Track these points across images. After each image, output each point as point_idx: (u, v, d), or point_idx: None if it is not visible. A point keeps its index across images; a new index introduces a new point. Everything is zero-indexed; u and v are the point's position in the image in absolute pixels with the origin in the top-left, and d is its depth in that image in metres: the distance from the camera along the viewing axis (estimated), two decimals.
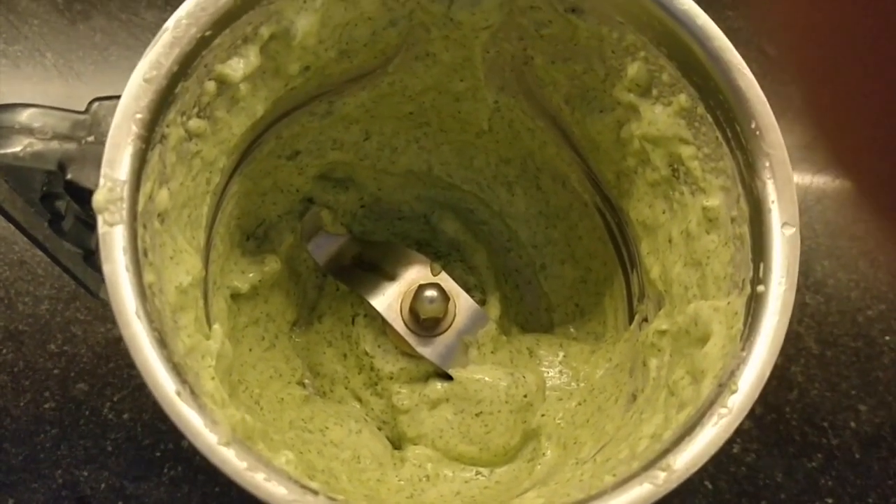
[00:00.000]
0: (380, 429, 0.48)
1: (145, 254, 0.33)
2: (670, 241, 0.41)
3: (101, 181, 0.32)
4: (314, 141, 0.48)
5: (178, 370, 0.30)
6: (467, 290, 0.49)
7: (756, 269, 0.34)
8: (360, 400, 0.49)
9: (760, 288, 0.33)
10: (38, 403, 0.58)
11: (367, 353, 0.48)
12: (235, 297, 0.46)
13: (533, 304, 0.52)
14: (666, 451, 0.31)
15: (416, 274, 0.48)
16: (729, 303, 0.35)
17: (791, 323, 0.63)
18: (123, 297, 0.30)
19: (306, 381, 0.50)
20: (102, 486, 0.56)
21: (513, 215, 0.52)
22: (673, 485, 0.30)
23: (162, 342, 0.31)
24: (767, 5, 0.75)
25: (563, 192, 0.50)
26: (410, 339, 0.47)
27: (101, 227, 0.31)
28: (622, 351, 0.46)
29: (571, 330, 0.51)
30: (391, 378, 0.48)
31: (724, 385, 0.32)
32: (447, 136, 0.50)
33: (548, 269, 0.52)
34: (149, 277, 0.32)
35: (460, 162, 0.52)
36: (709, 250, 0.38)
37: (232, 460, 0.29)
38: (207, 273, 0.42)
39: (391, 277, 0.48)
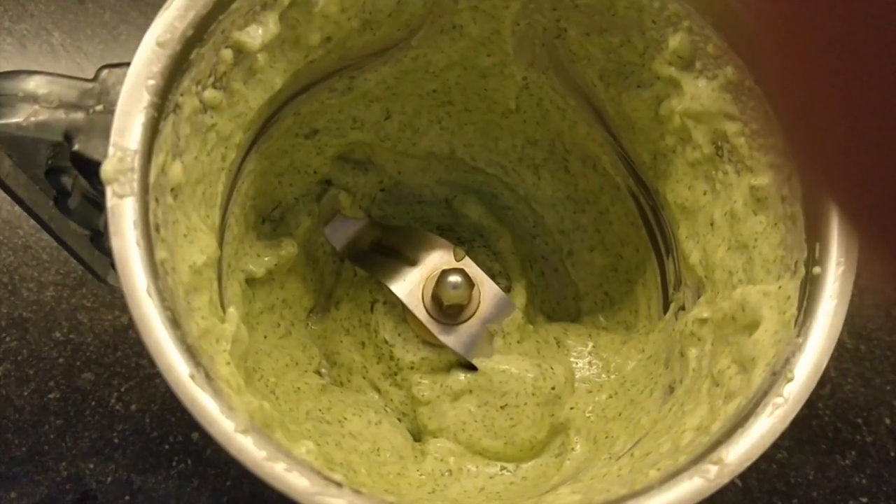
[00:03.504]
0: (399, 421, 0.46)
1: (157, 229, 0.31)
2: (712, 223, 0.39)
3: (111, 150, 0.30)
4: (333, 119, 0.45)
5: (191, 352, 0.28)
6: (491, 277, 0.46)
7: (811, 250, 0.31)
8: (378, 390, 0.46)
9: (816, 270, 0.31)
10: (43, 393, 0.56)
11: (386, 342, 0.46)
12: (250, 281, 0.43)
13: (560, 293, 0.50)
14: (717, 444, 0.29)
15: (438, 259, 0.46)
16: (780, 287, 0.33)
17: None
18: (134, 273, 0.28)
19: (323, 370, 0.47)
20: (109, 479, 0.54)
21: (539, 200, 0.50)
22: (725, 479, 0.27)
23: (175, 322, 0.28)
24: None
25: (594, 175, 0.47)
26: (432, 326, 0.45)
27: (110, 200, 0.29)
28: (656, 341, 0.44)
29: (601, 319, 0.48)
30: (411, 368, 0.46)
31: (779, 373, 0.29)
32: (471, 117, 0.48)
33: (576, 255, 0.50)
34: (161, 254, 0.30)
35: (485, 144, 0.49)
36: (756, 232, 0.35)
37: (250, 449, 0.27)
38: (222, 255, 0.40)
39: (412, 263, 0.46)
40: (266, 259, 0.44)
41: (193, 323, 0.31)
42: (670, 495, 0.27)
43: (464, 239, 0.48)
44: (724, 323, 0.36)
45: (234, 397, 0.28)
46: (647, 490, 0.28)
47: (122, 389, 0.56)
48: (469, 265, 0.46)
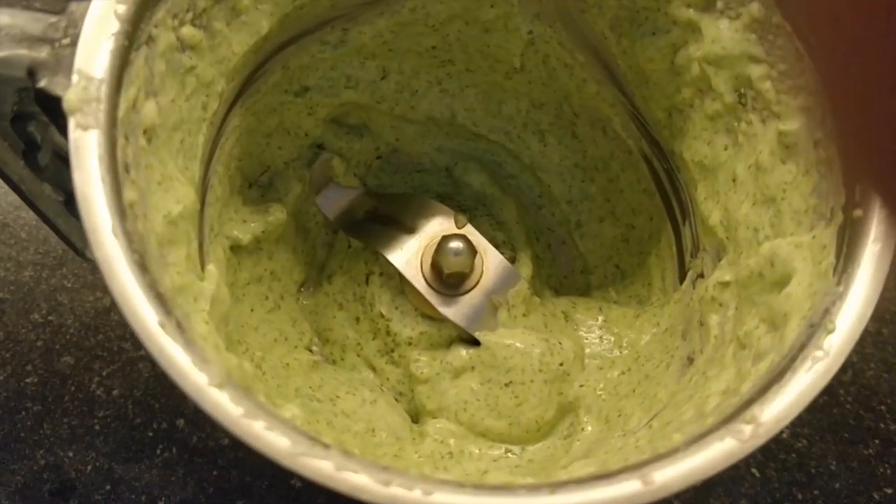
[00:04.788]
0: (396, 401, 0.43)
1: (126, 169, 0.28)
2: (734, 179, 0.36)
3: (75, 78, 0.27)
4: (325, 77, 0.42)
5: (162, 301, 0.25)
6: (495, 247, 0.43)
7: (850, 194, 0.28)
8: (374, 369, 0.43)
9: (858, 212, 0.28)
10: (20, 378, 0.52)
11: (382, 316, 0.43)
12: (236, 249, 0.40)
13: (567, 266, 0.47)
14: (749, 402, 0.26)
15: (438, 227, 0.43)
16: (814, 236, 0.30)
17: None
18: (97, 212, 0.25)
19: (314, 347, 0.44)
20: (89, 468, 0.51)
21: (545, 168, 0.47)
22: (760, 440, 0.24)
23: (143, 267, 0.25)
24: None
25: (604, 139, 0.44)
26: (432, 298, 0.42)
27: (73, 132, 0.26)
28: (672, 313, 0.40)
29: (611, 293, 0.45)
30: (409, 344, 0.43)
31: (817, 325, 0.26)
32: (473, 78, 0.45)
33: (584, 227, 0.47)
34: (130, 195, 0.27)
35: (487, 108, 0.46)
36: (785, 182, 0.32)
37: (226, 405, 0.24)
38: (203, 217, 0.37)
39: (410, 231, 0.43)
40: (253, 225, 0.41)
41: (167, 276, 0.28)
42: (698, 458, 0.24)
43: (465, 207, 0.45)
44: (749, 282, 0.33)
45: (209, 350, 0.25)
46: (671, 453, 0.25)
47: (104, 374, 0.53)
48: (471, 232, 0.43)
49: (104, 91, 0.27)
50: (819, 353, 0.25)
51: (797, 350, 0.26)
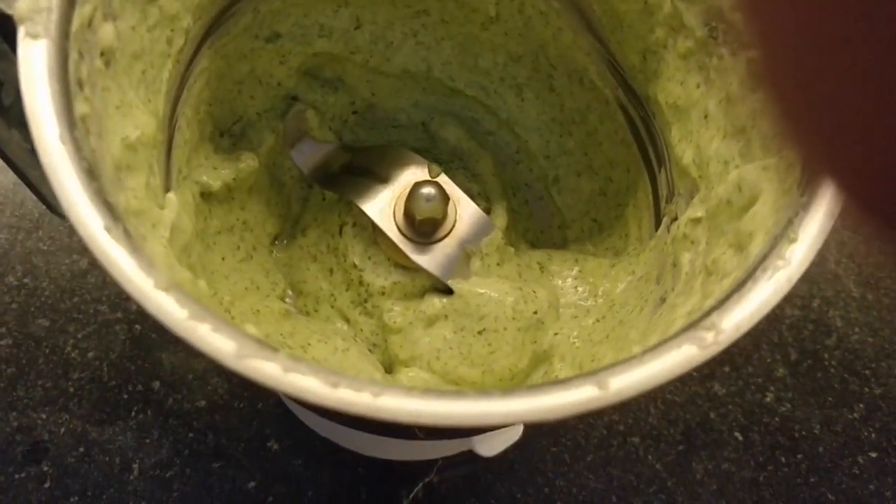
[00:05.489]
0: (370, 352, 0.42)
1: (80, 85, 0.27)
2: (706, 116, 0.35)
3: None
4: (298, 24, 0.42)
5: (110, 207, 0.25)
6: (471, 198, 0.43)
7: None
8: (347, 320, 0.43)
9: None
10: None
11: (355, 266, 0.42)
12: (206, 196, 0.40)
13: (545, 222, 0.47)
14: (710, 311, 0.25)
15: (412, 176, 0.42)
16: (781, 157, 0.29)
17: (828, 263, 0.58)
18: (43, 119, 0.25)
19: (288, 300, 0.44)
20: (62, 430, 0.50)
21: (522, 123, 0.47)
22: (721, 347, 0.24)
23: (92, 174, 0.25)
24: None
25: (581, 90, 0.44)
26: (405, 246, 0.41)
27: (23, 41, 0.26)
28: (647, 261, 0.40)
29: (588, 247, 0.45)
30: (383, 293, 0.42)
31: (780, 236, 0.26)
32: (449, 30, 0.45)
33: (562, 182, 0.46)
34: (82, 108, 0.27)
35: (463, 62, 0.46)
36: (755, 110, 0.32)
37: (169, 307, 0.23)
38: (171, 158, 0.36)
39: (384, 181, 0.43)
40: (223, 172, 0.40)
41: (122, 197, 0.28)
42: (656, 364, 0.24)
43: (441, 161, 0.45)
44: (718, 211, 0.32)
45: (157, 257, 0.25)
46: (628, 360, 0.24)
47: (79, 336, 0.52)
48: (446, 181, 0.42)
49: (55, 2, 0.26)
50: (780, 262, 0.25)
51: (759, 261, 0.26)
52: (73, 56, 0.27)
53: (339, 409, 0.23)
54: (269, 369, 0.23)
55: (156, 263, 0.24)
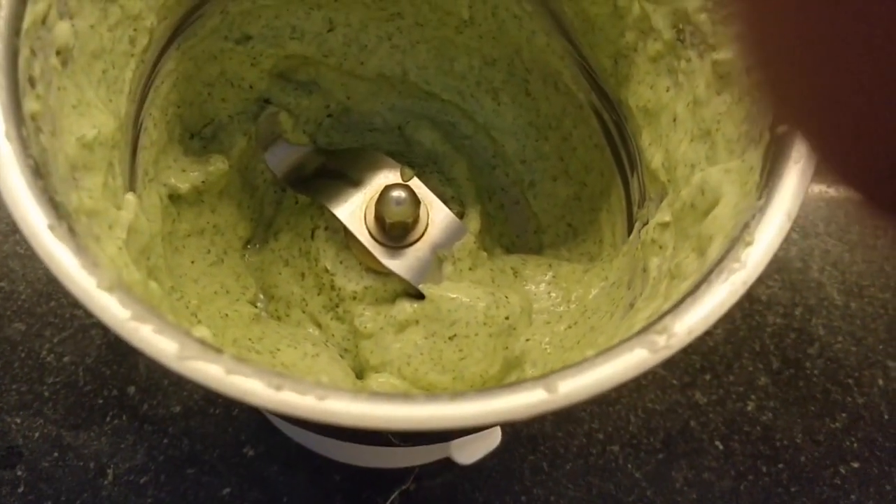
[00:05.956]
0: (341, 357, 0.42)
1: (31, 83, 0.27)
2: (675, 119, 0.35)
3: None
4: (269, 26, 0.42)
5: (55, 206, 0.24)
6: (444, 203, 0.43)
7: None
8: (319, 325, 0.42)
9: (782, 128, 0.27)
10: None
11: (327, 271, 0.42)
12: (175, 199, 0.40)
13: (520, 226, 0.46)
14: (663, 315, 0.24)
15: (384, 179, 0.42)
16: (744, 160, 0.29)
17: (811, 271, 0.57)
18: None
19: (259, 304, 0.43)
20: (36, 434, 0.50)
21: (499, 128, 0.46)
22: (672, 351, 0.23)
23: (37, 173, 0.25)
24: None
25: (556, 95, 0.44)
26: (376, 250, 0.41)
27: None
28: (620, 266, 0.40)
29: (563, 252, 0.44)
30: (354, 298, 0.42)
31: (737, 239, 0.25)
32: (424, 33, 0.44)
33: (538, 186, 0.46)
34: (32, 107, 0.26)
35: (439, 66, 0.46)
36: (720, 113, 0.31)
37: (111, 308, 0.23)
38: (136, 159, 0.36)
39: (356, 184, 0.42)
40: (192, 174, 0.40)
41: (76, 196, 0.27)
42: (607, 368, 0.23)
43: (415, 164, 0.45)
44: (683, 214, 0.32)
45: (102, 256, 0.24)
46: (579, 363, 0.24)
47: (55, 341, 0.52)
48: (418, 185, 0.42)
49: (5, 0, 0.26)
50: (736, 265, 0.25)
51: (714, 265, 0.25)
52: (25, 53, 0.27)
53: (282, 411, 0.22)
54: (211, 371, 0.23)
55: (101, 262, 0.24)
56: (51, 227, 0.24)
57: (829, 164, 0.15)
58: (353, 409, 0.22)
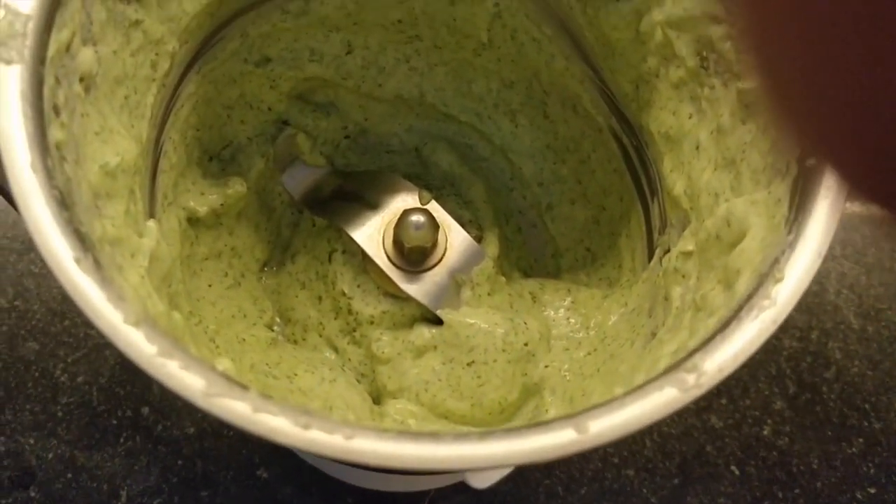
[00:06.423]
0: (358, 382, 0.42)
1: (56, 111, 0.27)
2: (698, 147, 0.35)
3: (1, 13, 0.26)
4: (288, 48, 0.42)
5: (81, 237, 0.24)
6: (462, 226, 0.42)
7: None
8: (336, 349, 0.42)
9: (811, 161, 0.26)
10: None
11: (344, 294, 0.42)
12: (193, 221, 0.39)
13: (538, 250, 0.46)
14: (693, 352, 0.24)
15: (402, 203, 0.42)
16: (770, 192, 0.28)
17: (828, 294, 0.57)
18: (15, 146, 0.24)
19: (276, 327, 0.43)
20: (50, 455, 0.50)
21: (516, 150, 0.46)
22: (703, 389, 0.23)
23: (63, 204, 0.25)
24: None
25: (574, 118, 0.44)
26: (394, 274, 0.41)
27: None
28: (640, 293, 0.39)
29: (582, 276, 0.44)
30: (371, 322, 0.41)
31: (766, 275, 0.25)
32: (442, 55, 0.44)
33: (555, 209, 0.46)
34: (57, 135, 0.26)
35: (457, 87, 0.45)
36: (745, 143, 0.31)
37: (139, 343, 0.23)
38: (156, 183, 0.36)
39: (374, 207, 0.42)
40: (211, 197, 0.40)
41: (98, 224, 0.27)
42: (636, 407, 0.23)
43: (433, 187, 0.44)
44: (708, 245, 0.31)
45: (128, 289, 0.24)
46: (608, 402, 0.23)
47: (69, 360, 0.52)
48: (436, 209, 0.42)
49: (31, 27, 0.26)
50: (766, 303, 0.24)
51: (744, 300, 0.25)
52: (50, 81, 0.27)
53: (310, 450, 0.22)
54: (238, 408, 0.22)
55: (126, 296, 0.24)
56: (77, 260, 0.23)
57: (854, 182, 0.15)
58: (380, 449, 0.22)
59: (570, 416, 0.23)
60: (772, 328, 0.24)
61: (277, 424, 0.22)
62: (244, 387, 0.23)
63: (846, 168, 0.15)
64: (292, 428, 0.22)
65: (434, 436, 0.22)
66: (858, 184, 0.15)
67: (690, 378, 0.23)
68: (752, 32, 0.14)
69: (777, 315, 0.24)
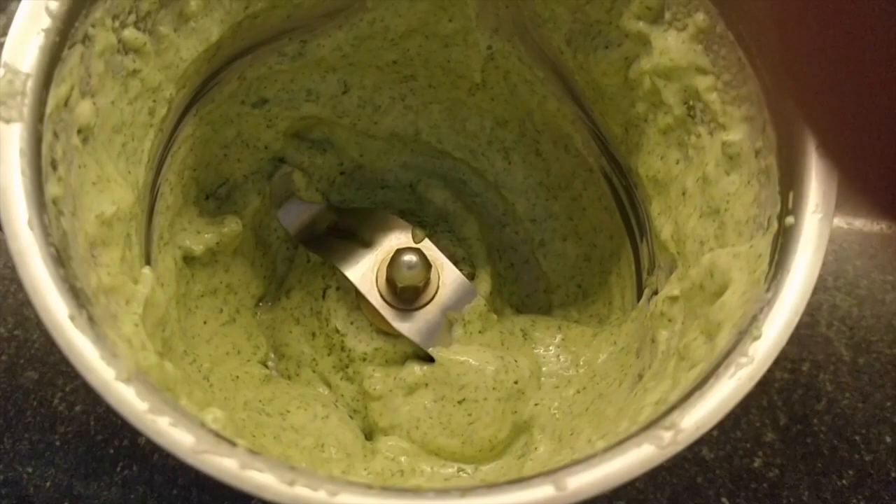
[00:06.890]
0: (351, 418, 0.42)
1: (53, 165, 0.27)
2: (684, 193, 0.35)
3: (0, 72, 0.27)
4: (285, 89, 0.42)
5: (76, 294, 0.25)
6: (455, 263, 0.43)
7: (784, 200, 0.28)
8: (329, 385, 0.43)
9: (790, 220, 0.27)
10: None
11: (337, 331, 0.42)
12: (189, 260, 0.40)
13: (530, 286, 0.47)
14: (671, 409, 0.25)
15: (395, 241, 0.43)
16: (752, 246, 0.29)
17: (819, 326, 0.58)
18: (14, 203, 0.25)
19: (270, 363, 0.44)
20: (48, 484, 0.50)
21: (509, 186, 0.47)
22: (680, 447, 0.24)
23: (59, 260, 0.25)
24: None
25: (566, 157, 0.44)
26: (386, 312, 0.41)
27: None
28: (629, 332, 0.40)
29: (573, 312, 0.45)
30: (364, 359, 0.42)
31: (745, 332, 0.26)
32: (436, 94, 0.45)
33: (547, 245, 0.46)
34: (54, 191, 0.27)
35: (451, 125, 0.46)
36: (728, 193, 0.32)
37: (131, 400, 0.23)
38: (152, 224, 0.37)
39: (367, 245, 0.43)
40: (207, 236, 0.40)
41: (94, 275, 0.28)
42: (614, 464, 0.24)
43: (427, 224, 0.45)
44: (692, 294, 0.32)
45: (121, 345, 0.25)
46: (587, 459, 0.24)
47: (67, 389, 0.52)
48: (429, 247, 0.42)
49: (30, 86, 0.27)
50: (743, 360, 0.25)
51: (723, 356, 0.26)
52: (48, 137, 0.27)
53: None
54: (226, 465, 0.23)
55: (119, 352, 0.24)
56: (71, 318, 0.24)
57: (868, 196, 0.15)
58: None
59: (548, 473, 0.24)
60: (748, 385, 0.24)
61: (264, 481, 0.23)
62: (232, 443, 0.23)
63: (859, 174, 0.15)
64: (278, 484, 0.23)
65: (417, 492, 0.23)
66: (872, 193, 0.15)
67: (668, 435, 0.24)
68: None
69: (754, 373, 0.25)
